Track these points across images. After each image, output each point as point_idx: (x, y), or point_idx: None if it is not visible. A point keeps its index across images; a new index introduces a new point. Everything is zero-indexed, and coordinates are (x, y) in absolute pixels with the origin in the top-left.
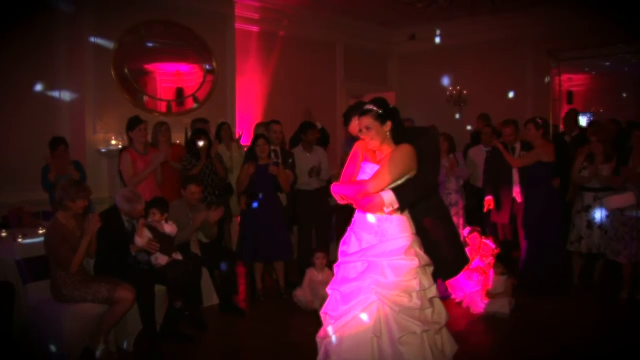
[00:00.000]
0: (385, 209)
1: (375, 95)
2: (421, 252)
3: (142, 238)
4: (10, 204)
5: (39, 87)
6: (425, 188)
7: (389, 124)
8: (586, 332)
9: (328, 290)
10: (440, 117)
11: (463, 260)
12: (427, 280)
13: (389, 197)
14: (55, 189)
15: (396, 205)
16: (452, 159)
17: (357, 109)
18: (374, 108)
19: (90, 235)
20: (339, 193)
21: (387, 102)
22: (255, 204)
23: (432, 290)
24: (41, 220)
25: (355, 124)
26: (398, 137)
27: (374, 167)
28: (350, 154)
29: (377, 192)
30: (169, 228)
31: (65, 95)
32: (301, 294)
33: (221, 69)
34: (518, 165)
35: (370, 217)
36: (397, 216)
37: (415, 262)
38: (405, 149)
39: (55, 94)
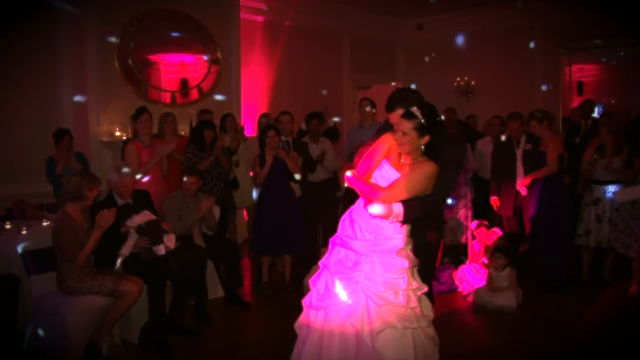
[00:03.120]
0: (390, 218)
1: (382, 87)
2: (412, 254)
3: (127, 247)
4: (13, 196)
5: (41, 80)
6: (433, 208)
7: (426, 138)
8: (596, 328)
9: (320, 264)
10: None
11: (429, 277)
12: (417, 281)
13: (397, 210)
14: (66, 181)
15: (401, 219)
16: None
17: (405, 101)
18: (419, 117)
19: (103, 229)
20: (351, 184)
21: (436, 113)
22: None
23: (422, 289)
24: (45, 213)
25: (397, 115)
26: (428, 146)
27: (391, 172)
28: (374, 145)
29: (387, 203)
30: (138, 219)
31: (69, 87)
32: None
33: (226, 59)
34: (553, 172)
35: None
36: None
37: (405, 262)
38: (429, 170)
39: (59, 85)
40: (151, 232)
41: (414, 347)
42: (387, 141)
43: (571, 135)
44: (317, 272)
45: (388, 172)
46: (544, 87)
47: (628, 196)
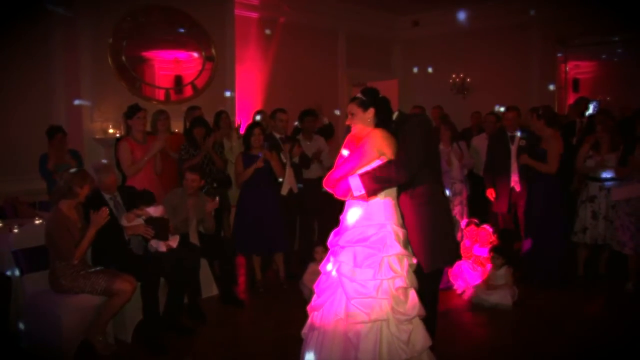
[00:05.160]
0: (353, 193)
1: (378, 83)
2: (394, 243)
3: (129, 220)
4: (5, 194)
5: (35, 77)
6: (392, 177)
7: (371, 111)
8: (592, 325)
9: (320, 268)
10: (443, 105)
11: (451, 256)
12: (394, 271)
13: (355, 182)
14: (57, 178)
15: (363, 190)
16: (456, 148)
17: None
18: (359, 95)
19: (97, 227)
20: (325, 186)
21: (376, 92)
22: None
23: (400, 281)
24: (38, 211)
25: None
26: (382, 124)
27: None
28: (342, 146)
29: (344, 177)
30: (152, 211)
31: (62, 85)
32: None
33: (220, 56)
34: (553, 172)
35: (351, 203)
36: (380, 202)
37: (378, 251)
38: (373, 136)
39: (52, 83)
40: (159, 228)
41: (379, 339)
42: (347, 139)
43: (566, 132)
44: (318, 278)
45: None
46: (551, 87)
47: (623, 194)
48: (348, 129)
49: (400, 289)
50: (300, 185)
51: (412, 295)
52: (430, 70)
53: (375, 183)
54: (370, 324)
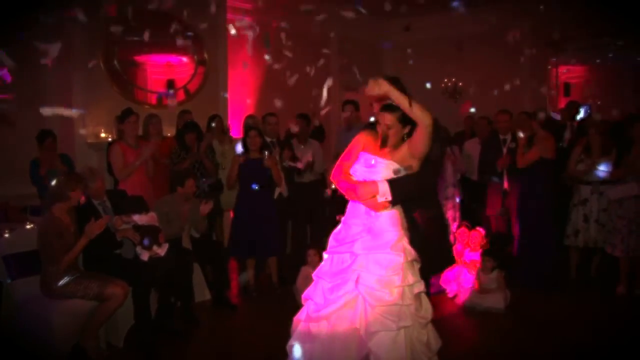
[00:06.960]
0: (378, 197)
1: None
2: (409, 248)
3: (117, 225)
4: None
5: (25, 80)
6: (420, 188)
7: (408, 128)
8: (584, 327)
9: (314, 276)
10: (435, 109)
11: (447, 260)
12: (414, 276)
13: (384, 187)
14: (48, 184)
15: (389, 197)
16: (449, 152)
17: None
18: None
19: (90, 238)
20: (333, 180)
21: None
22: (254, 186)
23: (419, 286)
24: (28, 215)
25: (372, 87)
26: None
27: (371, 157)
28: (351, 144)
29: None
30: (137, 219)
31: (53, 88)
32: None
33: (212, 60)
34: (522, 166)
35: (361, 208)
36: (388, 211)
37: (400, 257)
38: (414, 156)
39: (43, 86)
40: (145, 235)
41: (406, 345)
42: (361, 139)
43: (556, 136)
44: (312, 285)
45: (368, 159)
46: (544, 91)
47: (619, 193)
48: (344, 133)
49: (418, 294)
50: (279, 190)
51: (425, 298)
52: (428, 85)
53: (403, 193)
54: (395, 332)
